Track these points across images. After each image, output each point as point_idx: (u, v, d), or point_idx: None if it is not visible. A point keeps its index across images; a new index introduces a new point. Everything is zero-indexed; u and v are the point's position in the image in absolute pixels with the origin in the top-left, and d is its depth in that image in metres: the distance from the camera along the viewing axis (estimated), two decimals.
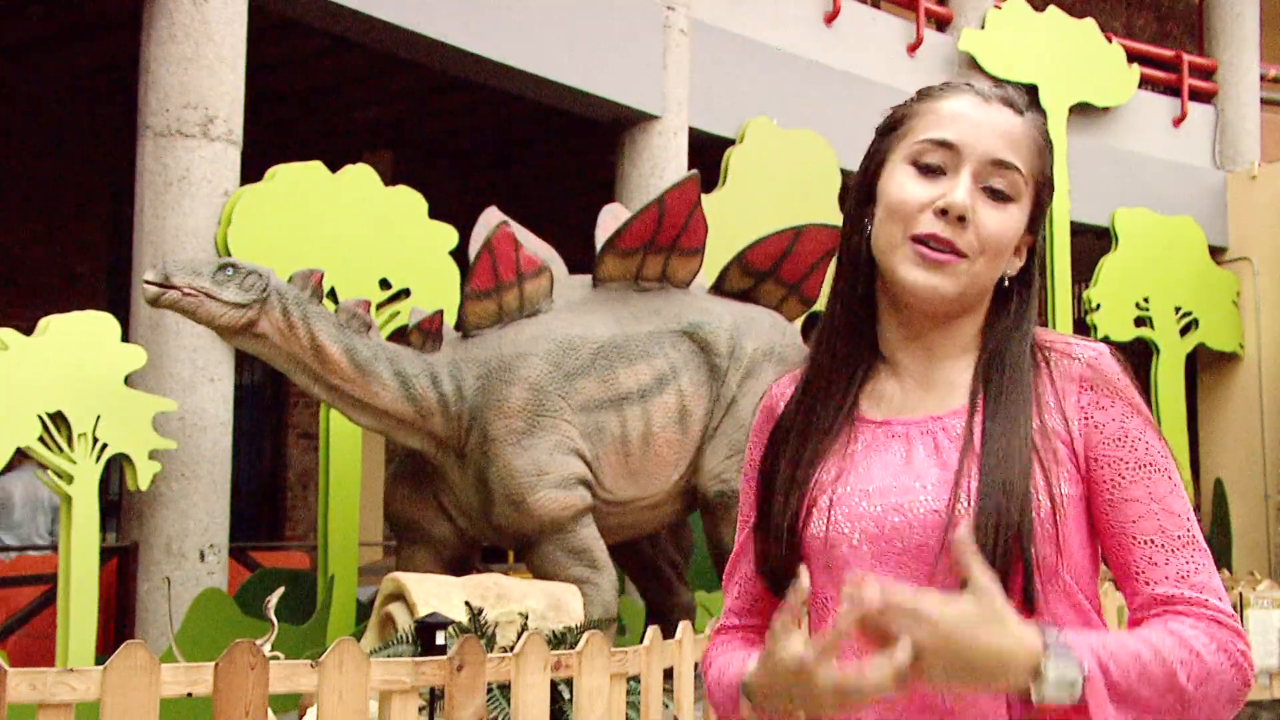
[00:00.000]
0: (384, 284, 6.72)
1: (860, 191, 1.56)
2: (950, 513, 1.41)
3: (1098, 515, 1.47)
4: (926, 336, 1.52)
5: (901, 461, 1.47)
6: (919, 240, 1.46)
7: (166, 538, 5.98)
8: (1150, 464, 1.45)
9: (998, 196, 1.47)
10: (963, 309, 1.51)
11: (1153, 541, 1.43)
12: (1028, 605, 1.41)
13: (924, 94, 1.54)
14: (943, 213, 1.45)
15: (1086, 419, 1.47)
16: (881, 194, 1.50)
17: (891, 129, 1.54)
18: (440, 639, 3.99)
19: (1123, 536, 1.45)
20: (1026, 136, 1.50)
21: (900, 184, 1.48)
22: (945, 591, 1.39)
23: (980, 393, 1.49)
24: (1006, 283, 1.53)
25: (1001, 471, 1.42)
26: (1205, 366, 11.85)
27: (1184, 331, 11.16)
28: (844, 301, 1.56)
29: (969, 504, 1.41)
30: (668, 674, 4.51)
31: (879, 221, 1.50)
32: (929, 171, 1.48)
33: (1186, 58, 11.95)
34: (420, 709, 3.65)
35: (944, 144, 1.47)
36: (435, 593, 4.71)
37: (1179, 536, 1.44)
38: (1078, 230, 10.76)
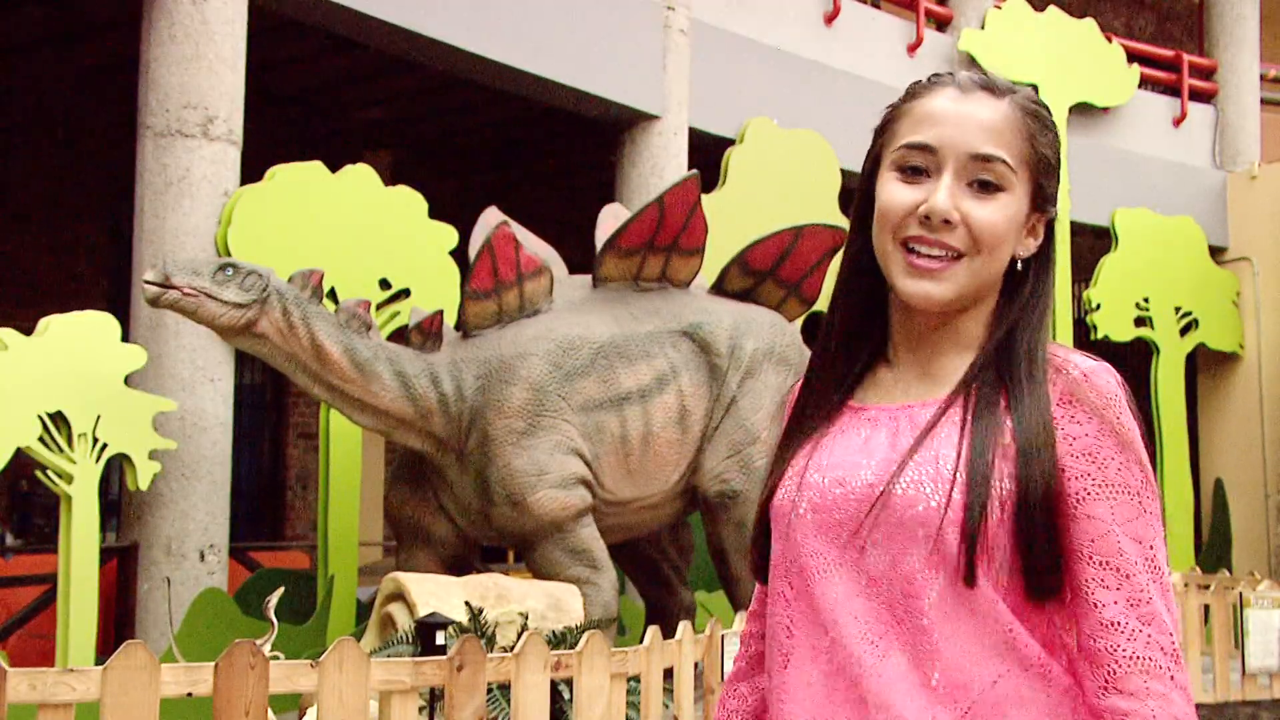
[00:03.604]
0: (384, 284, 6.72)
1: (862, 195, 1.56)
2: (885, 485, 1.43)
3: (1058, 530, 1.43)
4: (930, 335, 1.52)
5: (861, 442, 1.50)
6: (907, 246, 1.46)
7: (166, 538, 5.98)
8: (1120, 485, 1.41)
9: (986, 188, 1.46)
10: (970, 304, 1.50)
11: (1107, 564, 1.40)
12: (1044, 588, 1.43)
13: (910, 92, 1.53)
14: (927, 218, 1.45)
15: (1058, 431, 1.43)
16: (876, 202, 1.51)
17: (883, 131, 1.55)
18: (440, 639, 3.99)
19: (1078, 554, 1.42)
20: (1008, 122, 1.48)
21: (887, 192, 1.49)
22: (871, 562, 1.43)
23: (972, 385, 1.47)
24: (1020, 265, 1.51)
25: (976, 457, 1.41)
26: (1205, 366, 11.85)
27: (1184, 331, 11.17)
28: (847, 304, 1.57)
29: (901, 481, 1.42)
30: (668, 674, 4.51)
31: (874, 230, 1.51)
32: (914, 174, 1.47)
33: (1186, 58, 11.94)
34: (420, 709, 3.65)
35: (922, 146, 1.47)
36: (435, 593, 4.71)
37: (1136, 562, 1.40)
38: (1078, 230, 10.76)
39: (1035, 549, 1.40)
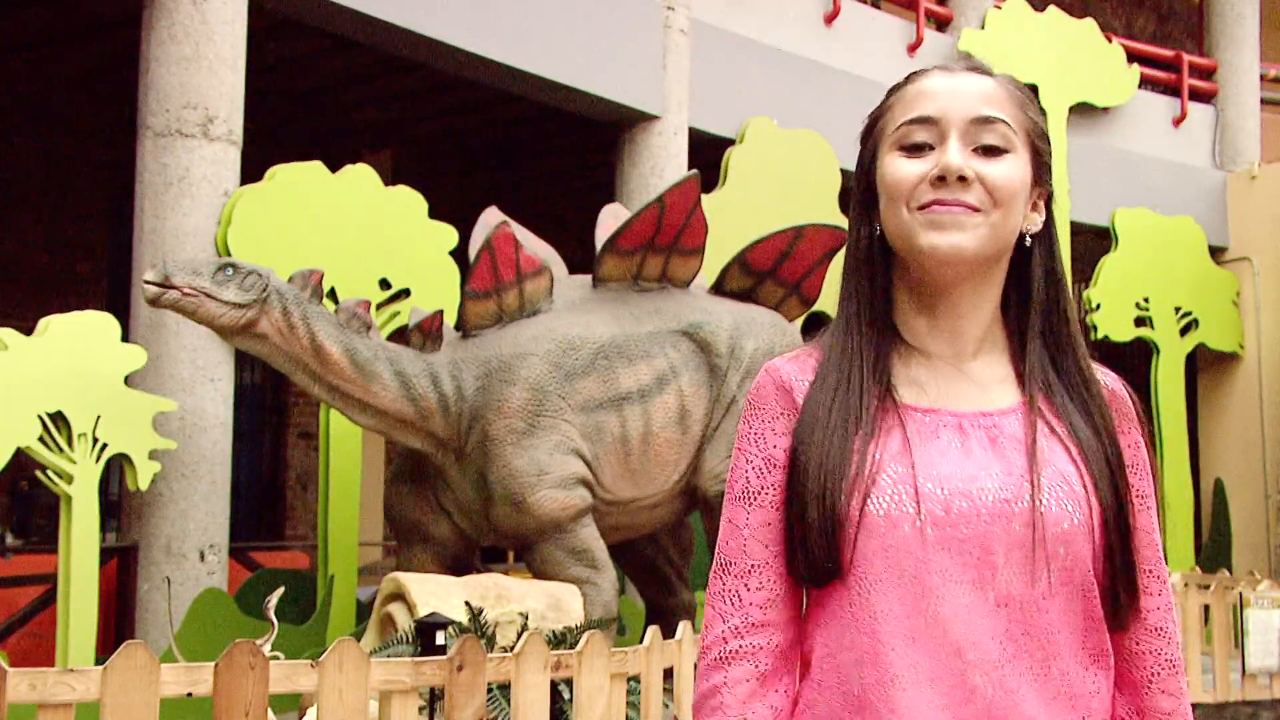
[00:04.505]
0: (384, 284, 6.73)
1: (860, 195, 1.56)
2: (1032, 504, 1.41)
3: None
4: (950, 320, 1.51)
5: (959, 450, 1.45)
6: (925, 208, 1.45)
7: (166, 538, 5.98)
8: (1150, 495, 1.53)
9: (991, 151, 1.46)
10: (983, 272, 1.48)
11: (1150, 572, 1.51)
12: (1132, 601, 1.46)
13: (894, 87, 1.55)
14: (940, 180, 1.44)
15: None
16: (880, 186, 1.50)
17: (872, 128, 1.55)
18: (440, 639, 3.99)
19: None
20: (1002, 92, 1.50)
21: (894, 168, 1.48)
22: (1004, 581, 1.41)
23: (1035, 390, 1.49)
24: (1029, 241, 1.52)
25: (1102, 468, 1.47)
26: (1205, 366, 11.85)
27: (1184, 331, 11.17)
28: (859, 299, 1.55)
29: (1043, 498, 1.42)
30: (668, 674, 4.51)
31: (885, 210, 1.49)
32: (917, 150, 1.47)
33: (1186, 58, 11.95)
34: (420, 709, 3.65)
35: (923, 120, 1.47)
36: (435, 593, 4.71)
37: (1164, 568, 1.54)
38: (1078, 230, 10.76)
39: (1124, 565, 1.46)
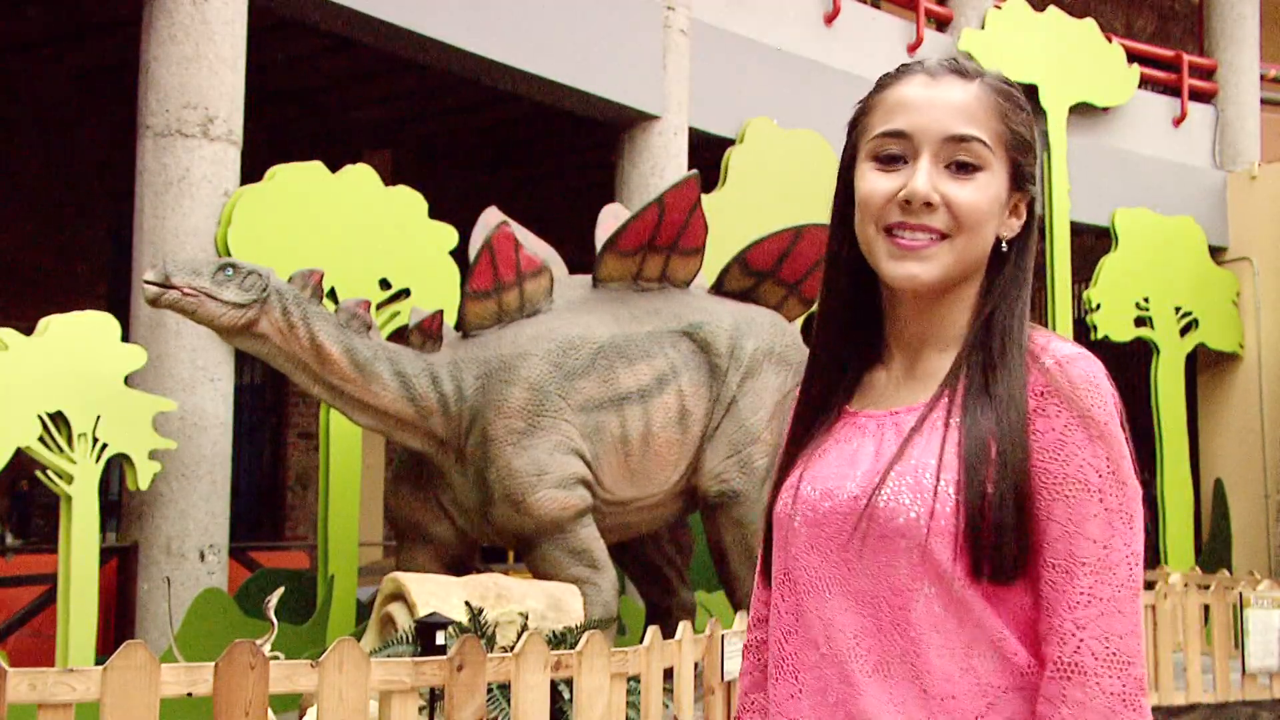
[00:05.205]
0: (384, 284, 6.73)
1: (841, 190, 1.56)
2: (868, 499, 1.41)
3: (1027, 531, 1.39)
4: (917, 325, 1.51)
5: (851, 452, 1.48)
6: (890, 232, 1.45)
7: (166, 538, 5.98)
8: (1081, 481, 1.36)
9: (964, 169, 1.45)
10: (954, 286, 1.48)
11: (1057, 566, 1.36)
12: (1002, 595, 1.38)
13: (879, 83, 1.54)
14: (907, 202, 1.44)
15: (1028, 425, 1.39)
16: (856, 194, 1.50)
17: (855, 124, 1.55)
18: (440, 639, 3.99)
19: (1039, 557, 1.38)
20: (980, 102, 1.47)
21: (866, 182, 1.48)
22: (857, 577, 1.42)
23: (956, 383, 1.45)
24: (1005, 246, 1.50)
25: (981, 456, 1.38)
26: (1205, 366, 11.85)
27: (1184, 331, 11.17)
28: (836, 299, 1.56)
29: (883, 494, 1.39)
30: (668, 674, 4.51)
31: (857, 222, 1.50)
32: (891, 162, 1.47)
33: (1186, 58, 11.95)
34: (420, 709, 3.65)
35: (897, 134, 1.47)
36: (435, 593, 4.71)
37: (1085, 563, 1.34)
38: (1078, 230, 10.76)
39: (1002, 550, 1.36)
